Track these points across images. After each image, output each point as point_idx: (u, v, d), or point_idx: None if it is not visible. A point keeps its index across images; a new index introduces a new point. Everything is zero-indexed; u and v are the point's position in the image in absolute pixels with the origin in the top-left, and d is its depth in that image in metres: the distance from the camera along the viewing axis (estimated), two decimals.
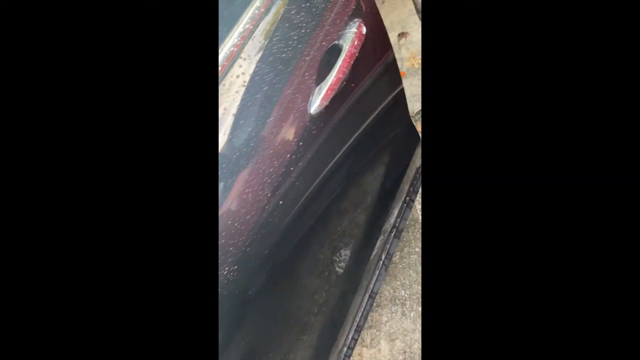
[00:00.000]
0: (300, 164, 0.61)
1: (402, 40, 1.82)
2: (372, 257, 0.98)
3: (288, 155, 0.59)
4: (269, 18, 0.59)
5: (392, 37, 1.84)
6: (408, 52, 1.78)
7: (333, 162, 0.70)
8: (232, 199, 0.53)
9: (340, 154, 0.71)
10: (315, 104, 0.62)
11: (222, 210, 0.52)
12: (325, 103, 0.63)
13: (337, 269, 0.88)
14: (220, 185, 0.53)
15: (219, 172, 0.53)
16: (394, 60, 0.81)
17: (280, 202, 0.59)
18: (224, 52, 0.55)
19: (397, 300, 1.18)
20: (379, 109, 0.81)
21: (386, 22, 1.90)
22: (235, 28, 0.56)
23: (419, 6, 1.56)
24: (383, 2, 1.97)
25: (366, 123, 0.78)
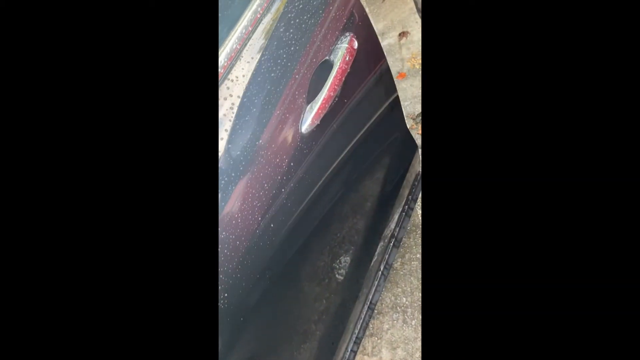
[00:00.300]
0: (292, 184, 0.60)
1: (403, 40, 1.79)
2: (372, 263, 0.97)
3: (279, 177, 0.58)
4: (257, 37, 0.58)
5: (393, 36, 1.82)
6: (409, 52, 1.75)
7: (327, 174, 0.69)
8: (222, 225, 0.53)
9: (334, 165, 0.70)
10: (307, 123, 0.61)
11: None
12: (317, 122, 0.62)
13: (337, 276, 0.87)
14: None
15: None
16: (388, 69, 0.80)
17: (272, 225, 0.58)
18: None
19: (398, 308, 1.17)
20: (374, 118, 0.80)
21: (386, 21, 1.87)
22: (222, 49, 0.55)
23: (420, 5, 1.53)
24: (383, 0, 1.94)
25: (361, 133, 0.77)
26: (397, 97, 0.85)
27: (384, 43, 1.80)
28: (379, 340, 1.15)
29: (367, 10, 0.72)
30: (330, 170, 0.69)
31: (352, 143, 0.75)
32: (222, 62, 0.55)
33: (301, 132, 0.61)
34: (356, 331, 0.92)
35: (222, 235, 0.52)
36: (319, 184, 0.67)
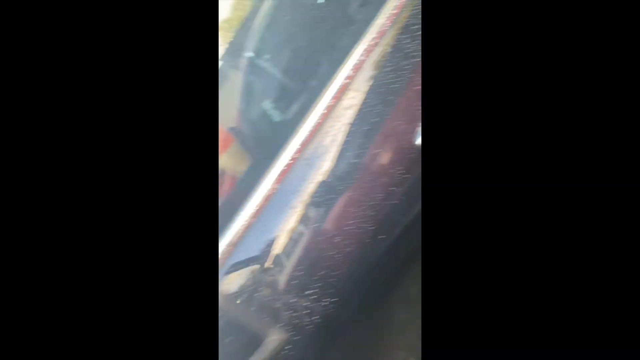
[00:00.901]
0: (403, 197, 0.60)
1: None
2: None
3: (391, 188, 0.58)
4: (380, 49, 0.59)
5: None
6: None
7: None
8: (334, 228, 0.54)
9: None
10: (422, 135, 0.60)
11: (323, 239, 0.53)
12: None
13: None
14: (321, 210, 0.54)
15: (321, 198, 0.53)
16: None
17: (379, 237, 0.58)
18: (336, 83, 0.56)
19: None
20: None
21: None
22: (347, 59, 0.57)
23: None
24: None
25: None
26: None
27: None
28: None
29: None
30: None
31: None
32: (348, 73, 0.57)
33: (415, 144, 0.60)
34: None
35: (336, 240, 0.53)
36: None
